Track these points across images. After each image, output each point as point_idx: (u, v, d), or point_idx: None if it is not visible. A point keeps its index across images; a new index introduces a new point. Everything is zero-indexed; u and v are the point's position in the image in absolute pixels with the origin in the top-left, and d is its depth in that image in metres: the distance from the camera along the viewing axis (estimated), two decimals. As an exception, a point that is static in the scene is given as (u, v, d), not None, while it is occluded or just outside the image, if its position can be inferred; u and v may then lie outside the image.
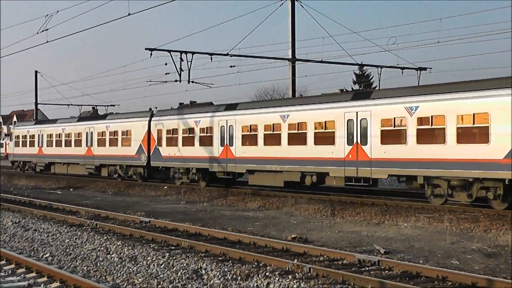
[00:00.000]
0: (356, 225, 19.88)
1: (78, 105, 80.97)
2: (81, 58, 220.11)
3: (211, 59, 35.07)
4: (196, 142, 32.78)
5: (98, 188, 36.62)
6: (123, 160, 38.96)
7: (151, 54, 33.66)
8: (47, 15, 30.97)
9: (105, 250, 14.66)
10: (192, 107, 35.63)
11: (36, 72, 72.84)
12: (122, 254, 14.17)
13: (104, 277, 11.93)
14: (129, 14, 26.74)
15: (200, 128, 32.62)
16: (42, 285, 11.16)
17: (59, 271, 11.71)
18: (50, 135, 47.87)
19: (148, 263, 13.09)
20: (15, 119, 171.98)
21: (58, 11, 31.71)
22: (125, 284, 11.35)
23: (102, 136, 41.13)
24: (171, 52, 34.19)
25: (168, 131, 35.14)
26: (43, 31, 30.98)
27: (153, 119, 36.74)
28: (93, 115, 45.47)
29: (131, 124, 38.55)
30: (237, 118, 30.68)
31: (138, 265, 12.88)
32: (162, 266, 12.74)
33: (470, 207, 21.71)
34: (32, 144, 50.73)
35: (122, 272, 12.29)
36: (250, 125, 29.89)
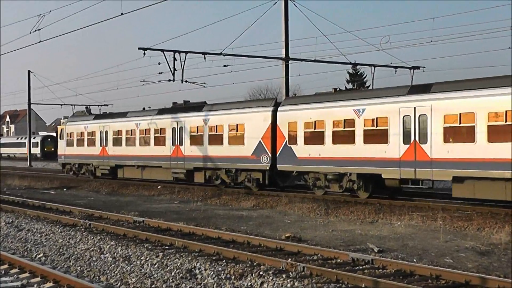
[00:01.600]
0: (350, 223, 19.89)
1: (72, 105, 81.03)
2: (74, 57, 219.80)
3: (205, 58, 34.98)
4: (359, 138, 24.78)
5: (92, 188, 36.53)
6: (232, 162, 30.57)
7: (144, 54, 33.57)
8: (40, 14, 30.90)
9: (98, 250, 14.63)
10: (347, 92, 29.41)
11: (29, 72, 72.82)
12: (115, 254, 14.14)
13: (97, 277, 11.91)
14: (122, 14, 26.71)
15: (364, 120, 24.68)
16: (35, 285, 11.13)
17: (52, 271, 11.68)
18: (118, 132, 39.46)
19: (142, 262, 13.07)
20: (8, 118, 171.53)
21: (50, 11, 31.64)
22: (118, 284, 11.33)
23: (197, 132, 32.90)
24: (165, 52, 34.10)
25: (307, 125, 26.96)
26: (35, 30, 30.92)
27: (280, 108, 28.49)
28: (183, 106, 36.56)
29: (245, 116, 30.22)
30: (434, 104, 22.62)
31: (131, 265, 12.86)
32: (156, 265, 12.72)
33: (464, 205, 21.76)
34: (91, 143, 42.27)
35: (116, 272, 12.27)
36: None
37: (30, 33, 31.48)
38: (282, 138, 27.99)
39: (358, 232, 17.98)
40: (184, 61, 34.34)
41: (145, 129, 36.84)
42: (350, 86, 75.53)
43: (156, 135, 35.92)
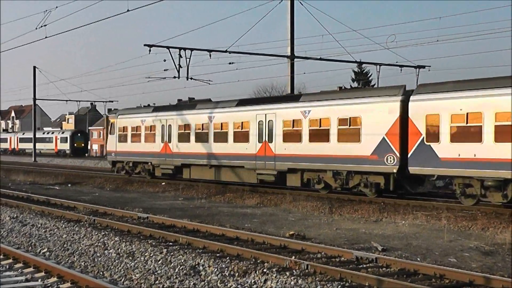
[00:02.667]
0: (354, 222, 19.88)
1: (77, 101, 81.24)
2: (79, 54, 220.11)
3: (210, 56, 35.06)
4: None
5: (96, 184, 36.58)
6: (342, 163, 25.52)
7: (150, 51, 33.63)
8: (46, 10, 30.98)
9: (102, 246, 14.64)
10: None
11: (34, 67, 72.93)
12: (119, 249, 14.15)
13: (101, 273, 11.92)
14: (128, 10, 26.77)
15: None
16: (39, 280, 11.15)
17: (56, 266, 11.70)
18: (185, 126, 34.45)
19: (146, 259, 13.08)
20: (13, 114, 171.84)
21: (57, 7, 31.72)
22: (122, 280, 11.34)
23: (292, 126, 27.85)
24: (170, 49, 34.18)
25: (455, 118, 21.88)
26: (41, 26, 31.01)
27: (414, 98, 23.34)
28: (272, 96, 32.10)
29: (362, 107, 25.06)
30: None
31: (135, 261, 12.86)
32: (159, 262, 12.73)
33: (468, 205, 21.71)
34: (150, 138, 37.12)
35: (120, 267, 12.28)
36: None
37: (36, 29, 31.57)
38: (417, 134, 22.98)
39: (362, 230, 17.97)
40: (190, 58, 34.45)
41: (222, 123, 31.76)
42: (355, 84, 75.47)
43: (236, 130, 30.84)
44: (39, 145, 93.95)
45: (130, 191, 32.52)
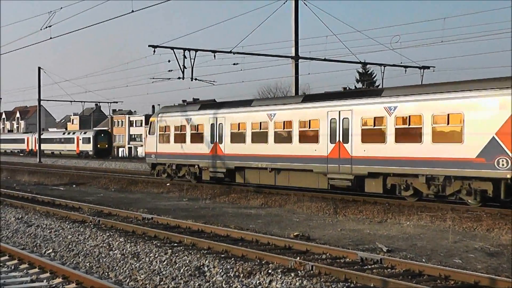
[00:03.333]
0: (359, 223, 19.86)
1: (81, 102, 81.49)
2: (84, 54, 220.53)
3: (214, 56, 35.19)
4: None
5: (101, 185, 36.61)
6: (439, 166, 22.13)
7: (154, 51, 33.75)
8: (51, 11, 31.06)
9: (107, 247, 14.66)
10: None
11: (39, 68, 73.12)
12: (124, 250, 14.17)
13: (106, 274, 11.93)
14: (132, 11, 26.80)
15: None
16: (44, 281, 11.16)
17: (61, 267, 11.72)
18: (240, 125, 30.96)
19: (151, 259, 13.09)
20: (18, 115, 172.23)
21: (61, 8, 31.77)
22: (127, 281, 11.34)
23: (374, 125, 24.56)
24: (174, 49, 34.28)
25: None
26: (46, 27, 31.07)
27: None
28: (348, 91, 29.34)
29: (464, 102, 21.76)
30: None
31: (140, 262, 12.87)
32: (164, 262, 12.74)
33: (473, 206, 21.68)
34: (197, 138, 33.46)
35: (125, 268, 12.29)
36: None
37: (41, 29, 31.63)
38: None
39: (366, 231, 17.94)
40: (194, 59, 34.56)
41: (284, 122, 28.39)
42: (359, 85, 75.48)
43: (302, 129, 27.44)
44: (59, 146, 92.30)
45: (135, 192, 32.54)
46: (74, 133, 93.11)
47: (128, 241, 15.36)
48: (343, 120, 25.55)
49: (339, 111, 25.75)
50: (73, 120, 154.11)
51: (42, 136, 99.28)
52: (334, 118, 25.90)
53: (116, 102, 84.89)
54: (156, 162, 36.72)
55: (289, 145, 27.89)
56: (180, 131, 34.72)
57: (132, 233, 16.79)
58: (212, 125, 32.36)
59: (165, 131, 35.98)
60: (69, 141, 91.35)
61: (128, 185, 35.25)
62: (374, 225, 19.27)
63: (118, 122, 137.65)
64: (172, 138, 35.34)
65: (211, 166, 32.31)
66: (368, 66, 61.67)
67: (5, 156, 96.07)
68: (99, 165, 64.29)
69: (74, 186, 36.76)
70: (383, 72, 39.44)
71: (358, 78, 79.49)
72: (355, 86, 78.41)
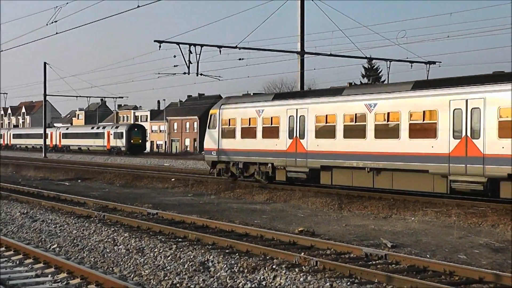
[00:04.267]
0: (363, 218, 19.85)
1: (87, 97, 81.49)
2: (89, 50, 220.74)
3: (220, 51, 35.23)
4: None
5: (106, 180, 36.66)
6: None
7: (160, 47, 33.83)
8: (57, 6, 31.09)
9: (112, 242, 14.69)
10: None
11: (45, 63, 73.29)
12: (129, 245, 14.19)
13: (111, 269, 11.96)
14: (138, 6, 26.82)
15: None
16: (49, 275, 11.19)
17: (66, 262, 11.74)
18: (327, 118, 26.43)
19: (155, 255, 13.11)
20: (23, 110, 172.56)
21: (67, 3, 31.83)
22: (132, 276, 11.37)
23: None
24: (180, 45, 34.32)
25: None
26: (52, 22, 31.11)
27: None
28: (468, 76, 23.08)
29: None
30: None
31: (145, 257, 12.90)
32: (169, 258, 12.76)
33: (478, 201, 21.64)
34: (271, 133, 29.04)
35: (129, 263, 12.31)
36: None
37: (47, 24, 31.68)
38: None
39: (371, 227, 17.95)
40: (200, 54, 34.61)
41: (388, 113, 23.99)
42: (365, 80, 75.34)
43: (413, 121, 23.15)
44: (87, 142, 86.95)
45: (140, 187, 32.59)
46: (104, 128, 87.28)
47: (133, 236, 15.39)
48: (471, 110, 21.42)
49: (466, 100, 21.54)
50: (78, 115, 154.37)
51: (67, 131, 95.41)
52: (459, 109, 21.71)
53: (122, 97, 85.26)
54: (217, 159, 32.07)
55: (395, 141, 23.58)
56: (249, 124, 30.34)
57: (137, 228, 16.81)
58: (291, 117, 27.98)
59: (229, 125, 31.54)
60: (98, 136, 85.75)
61: (133, 180, 35.30)
62: (379, 221, 19.27)
63: (123, 117, 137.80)
64: (238, 133, 30.90)
65: (289, 165, 27.95)
66: (374, 61, 61.43)
67: (24, 152, 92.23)
68: (104, 161, 64.43)
69: (79, 181, 36.84)
70: (389, 67, 39.42)
71: (364, 73, 79.39)
72: (360, 81, 78.38)
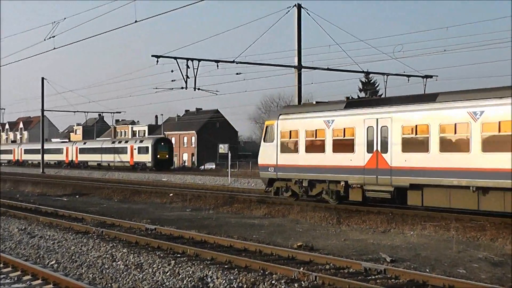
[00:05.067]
0: (362, 233, 19.82)
1: (84, 112, 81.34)
2: (87, 65, 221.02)
3: (217, 66, 35.28)
4: None
5: (104, 195, 36.62)
6: None
7: (157, 61, 33.87)
8: (54, 22, 31.13)
9: (110, 258, 14.65)
10: None
11: (42, 78, 73.31)
12: (127, 261, 14.15)
13: (109, 285, 11.92)
14: (135, 21, 26.86)
15: None
16: (47, 292, 11.15)
17: (65, 278, 11.71)
18: (419, 128, 23.00)
19: (154, 270, 13.07)
20: (21, 125, 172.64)
21: (65, 18, 31.88)
22: (130, 292, 11.33)
23: None
24: (178, 59, 34.39)
25: None
26: (50, 37, 31.14)
27: None
28: None
29: None
30: None
31: (143, 273, 12.86)
32: (167, 273, 12.72)
33: (477, 215, 21.63)
34: (344, 146, 25.37)
35: (128, 279, 12.28)
36: None
37: (45, 40, 31.72)
38: None
39: (370, 241, 17.91)
40: (197, 69, 34.66)
41: (499, 122, 20.48)
42: (362, 94, 75.49)
43: None
44: (107, 157, 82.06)
45: (138, 202, 32.54)
46: (127, 142, 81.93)
47: (131, 252, 15.35)
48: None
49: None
50: (76, 130, 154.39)
51: (85, 146, 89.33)
52: None
53: (119, 112, 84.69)
54: (276, 177, 28.48)
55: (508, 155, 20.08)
56: (315, 137, 26.74)
57: (135, 244, 16.78)
58: (370, 128, 24.44)
59: (290, 137, 27.93)
60: (120, 151, 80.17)
61: (131, 196, 35.26)
62: (377, 235, 19.24)
63: (121, 132, 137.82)
64: (302, 146, 27.22)
65: (368, 183, 24.43)
66: (371, 75, 61.73)
67: (28, 168, 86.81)
68: (102, 176, 64.34)
69: (77, 196, 36.77)
70: (386, 81, 39.50)
71: (361, 87, 79.58)
72: (358, 95, 78.50)
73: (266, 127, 29.41)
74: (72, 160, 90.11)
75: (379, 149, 23.97)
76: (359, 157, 24.65)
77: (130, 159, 78.27)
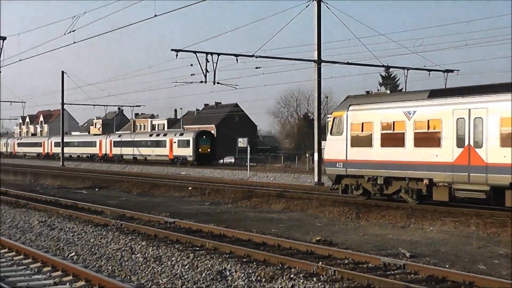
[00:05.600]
0: (381, 228, 19.76)
1: (104, 105, 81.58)
2: (107, 59, 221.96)
3: (237, 60, 35.16)
4: None
5: (123, 188, 36.80)
6: None
7: (177, 55, 33.82)
8: (74, 16, 31.25)
9: (129, 250, 14.72)
10: None
11: (62, 72, 73.70)
12: (146, 254, 14.22)
13: (128, 277, 11.99)
14: (155, 16, 26.91)
15: None
16: (67, 284, 11.24)
17: (84, 270, 11.79)
18: None
19: (173, 263, 13.13)
20: (41, 118, 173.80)
21: (85, 12, 32.06)
22: (149, 284, 11.39)
23: None
24: (197, 53, 34.33)
25: None
26: (70, 32, 31.27)
27: None
28: None
29: None
30: None
31: (162, 266, 12.92)
32: (186, 266, 12.77)
33: (497, 211, 21.45)
34: (428, 140, 22.95)
35: (147, 272, 12.34)
36: None
37: (65, 34, 31.87)
38: None
39: (389, 236, 17.86)
40: (216, 63, 34.55)
41: None
42: (382, 89, 75.17)
43: None
44: (144, 151, 78.43)
45: (157, 196, 32.66)
46: (165, 135, 78.39)
47: (150, 244, 15.41)
48: None
49: None
50: (95, 124, 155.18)
51: (120, 139, 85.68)
52: None
53: (139, 106, 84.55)
54: (344, 173, 26.08)
55: None
56: (393, 129, 24.33)
57: (154, 237, 16.85)
58: (460, 120, 21.99)
59: (362, 130, 25.61)
60: (159, 144, 77.09)
61: (150, 189, 35.40)
62: (397, 230, 19.17)
63: (140, 126, 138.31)
64: (376, 140, 24.88)
65: (457, 181, 21.93)
66: (391, 69, 61.43)
67: (70, 161, 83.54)
68: (122, 169, 64.65)
69: (96, 189, 36.99)
70: (406, 76, 39.22)
71: (381, 82, 79.31)
72: (378, 89, 78.17)
73: (334, 118, 27.08)
74: (106, 154, 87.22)
75: (471, 143, 21.56)
76: (446, 152, 22.24)
77: (169, 153, 75.10)
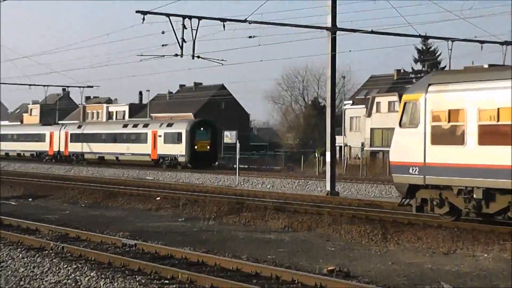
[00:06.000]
0: (417, 254, 19.75)
1: (44, 85, 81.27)
2: (50, 24, 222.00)
3: (224, 26, 35.10)
4: None
5: (67, 198, 36.76)
6: None
7: (143, 19, 33.68)
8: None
9: (73, 284, 14.61)
10: None
11: (-12, 41, 73.54)
12: (96, 289, 14.08)
13: (71, 322, 11.80)
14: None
15: None
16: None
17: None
18: None
19: (132, 302, 12.98)
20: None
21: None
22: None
23: None
24: (170, 17, 34.18)
25: None
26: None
27: None
28: None
29: None
30: None
31: (118, 305, 12.75)
32: (150, 307, 12.61)
33: None
34: None
35: (96, 315, 12.17)
36: None
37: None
38: None
39: (428, 266, 17.85)
40: (197, 30, 34.48)
41: None
42: (418, 66, 75.30)
43: None
44: (116, 148, 75.44)
45: (113, 208, 32.63)
46: (147, 126, 74.71)
47: (102, 276, 15.27)
48: None
49: None
50: (31, 110, 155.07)
51: (80, 130, 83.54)
52: None
53: (91, 87, 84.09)
54: (422, 182, 24.14)
55: None
56: (497, 120, 22.29)
57: (108, 265, 16.73)
58: None
59: (449, 120, 23.74)
60: (138, 139, 73.58)
61: (104, 199, 35.38)
62: (438, 258, 19.16)
63: (92, 112, 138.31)
64: (471, 136, 22.85)
65: None
66: (430, 40, 61.60)
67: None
68: (66, 172, 64.55)
69: (30, 199, 36.87)
70: (451, 49, 39.17)
71: (417, 57, 79.42)
72: (412, 67, 78.27)
73: (404, 104, 25.27)
74: (59, 152, 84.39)
75: None
76: None
77: (151, 151, 71.41)
